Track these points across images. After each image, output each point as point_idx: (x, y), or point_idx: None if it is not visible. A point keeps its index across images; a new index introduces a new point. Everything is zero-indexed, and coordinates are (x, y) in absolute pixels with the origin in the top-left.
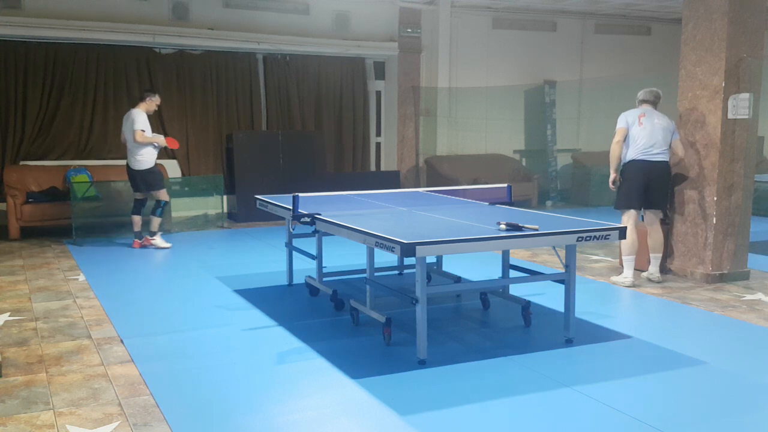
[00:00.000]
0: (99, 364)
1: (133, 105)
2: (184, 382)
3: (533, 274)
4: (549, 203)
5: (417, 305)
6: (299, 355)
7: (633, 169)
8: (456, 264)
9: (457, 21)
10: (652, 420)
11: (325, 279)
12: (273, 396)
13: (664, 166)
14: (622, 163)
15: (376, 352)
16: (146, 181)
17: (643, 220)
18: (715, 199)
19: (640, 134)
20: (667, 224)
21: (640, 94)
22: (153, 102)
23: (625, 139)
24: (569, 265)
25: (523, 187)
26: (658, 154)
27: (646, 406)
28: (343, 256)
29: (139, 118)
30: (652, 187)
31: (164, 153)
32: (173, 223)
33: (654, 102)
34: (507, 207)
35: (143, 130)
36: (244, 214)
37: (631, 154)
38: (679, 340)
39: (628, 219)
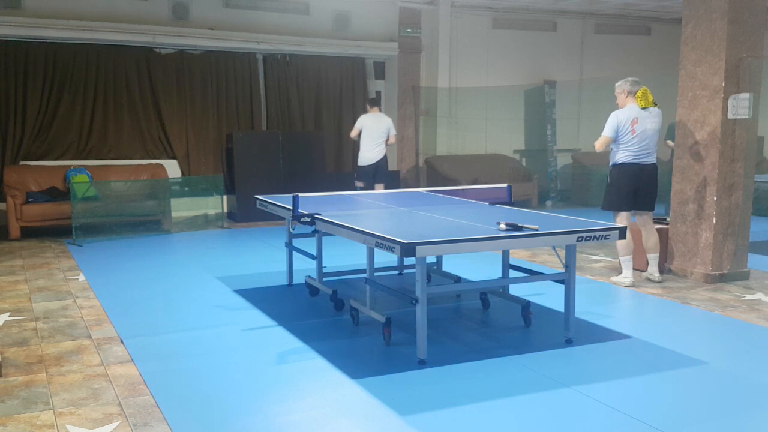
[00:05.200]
0: (99, 364)
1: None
2: (184, 382)
3: (533, 274)
4: (549, 203)
5: (417, 305)
6: (299, 355)
7: (624, 173)
8: (456, 264)
9: (457, 21)
10: (652, 420)
11: (325, 279)
12: (273, 396)
13: (653, 168)
14: (610, 164)
15: (376, 352)
16: (385, 169)
17: (634, 220)
18: (715, 199)
19: (632, 141)
20: (666, 224)
21: (628, 86)
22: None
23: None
24: (569, 265)
25: (523, 187)
26: (648, 157)
27: (646, 406)
28: (343, 256)
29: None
30: (642, 189)
31: (164, 153)
32: (173, 223)
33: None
34: (507, 207)
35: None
36: (244, 214)
37: (622, 157)
38: (679, 340)
39: (622, 220)
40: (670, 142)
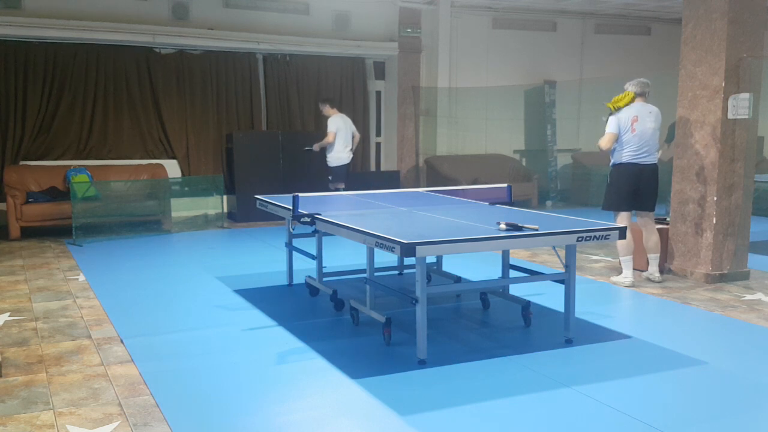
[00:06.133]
0: (99, 364)
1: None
2: (184, 382)
3: (533, 274)
4: (549, 203)
5: (417, 305)
6: (299, 355)
7: (623, 173)
8: (456, 264)
9: (457, 21)
10: (652, 420)
11: (325, 279)
12: (273, 396)
13: (653, 168)
14: (611, 164)
15: (376, 352)
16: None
17: (635, 220)
18: (715, 199)
19: (632, 140)
20: (667, 224)
21: (632, 87)
22: None
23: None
24: (569, 265)
25: (523, 187)
26: (648, 157)
27: (646, 406)
28: (343, 256)
29: None
30: (642, 190)
31: (164, 153)
32: (173, 223)
33: (644, 93)
34: (507, 207)
35: None
36: (244, 214)
37: (622, 157)
38: (679, 340)
39: (622, 220)
40: (666, 146)
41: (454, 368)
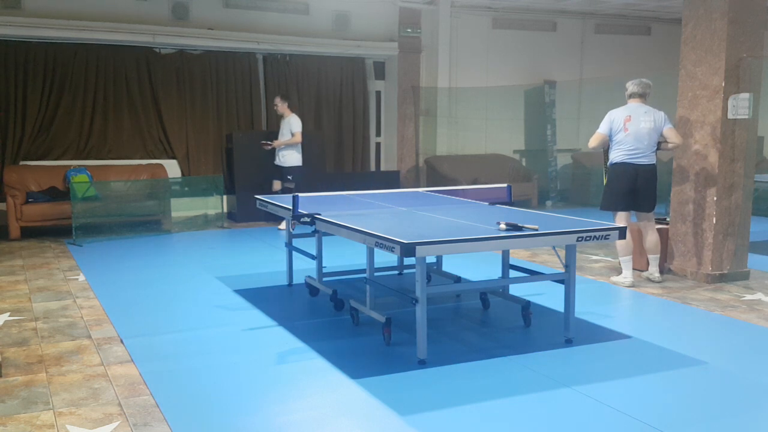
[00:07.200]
0: (99, 364)
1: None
2: (184, 382)
3: (533, 274)
4: (549, 203)
5: (417, 305)
6: (299, 355)
7: (619, 173)
8: (456, 264)
9: (457, 21)
10: (652, 420)
11: (325, 279)
12: (273, 396)
13: (650, 168)
14: (608, 164)
15: (376, 352)
16: None
17: (635, 220)
18: (715, 199)
19: (625, 140)
20: (666, 224)
21: (631, 87)
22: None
23: (610, 137)
24: (569, 265)
25: (523, 187)
26: (644, 157)
27: (646, 406)
28: (343, 256)
29: None
30: (639, 190)
31: (164, 153)
32: (173, 223)
33: (644, 95)
34: (507, 207)
35: None
36: (244, 214)
37: (617, 156)
38: (679, 340)
39: (621, 220)
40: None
41: (454, 368)
